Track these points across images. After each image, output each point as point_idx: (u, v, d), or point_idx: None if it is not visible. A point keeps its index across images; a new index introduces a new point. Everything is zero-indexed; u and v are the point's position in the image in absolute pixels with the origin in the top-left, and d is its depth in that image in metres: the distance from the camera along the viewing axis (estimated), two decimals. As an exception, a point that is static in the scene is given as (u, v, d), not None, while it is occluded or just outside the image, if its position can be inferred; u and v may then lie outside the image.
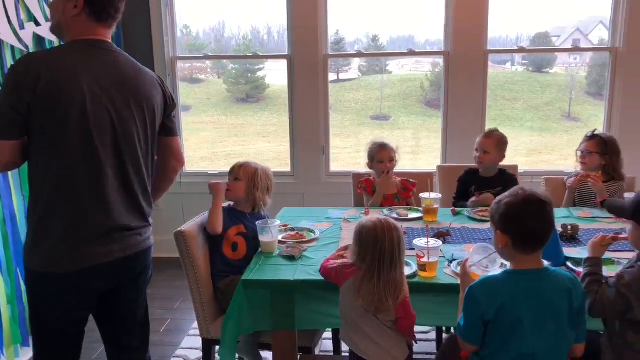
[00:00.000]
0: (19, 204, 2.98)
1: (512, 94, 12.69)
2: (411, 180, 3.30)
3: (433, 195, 2.95)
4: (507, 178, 3.17)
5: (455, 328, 1.87)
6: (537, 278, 1.71)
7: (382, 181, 3.21)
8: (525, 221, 1.69)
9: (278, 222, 2.55)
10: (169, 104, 2.03)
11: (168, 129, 2.04)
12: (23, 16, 3.01)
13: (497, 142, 3.18)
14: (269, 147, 10.66)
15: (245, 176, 2.70)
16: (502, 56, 12.04)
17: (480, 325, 1.73)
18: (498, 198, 1.78)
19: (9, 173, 2.87)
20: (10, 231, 2.91)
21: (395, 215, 2.94)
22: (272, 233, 2.48)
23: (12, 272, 2.92)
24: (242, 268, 2.34)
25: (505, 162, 3.28)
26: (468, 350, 1.82)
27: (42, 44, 3.19)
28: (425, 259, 2.17)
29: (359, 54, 4.74)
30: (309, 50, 4.19)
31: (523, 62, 13.37)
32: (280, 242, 2.54)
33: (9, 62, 2.89)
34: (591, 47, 4.81)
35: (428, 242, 2.21)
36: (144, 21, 4.21)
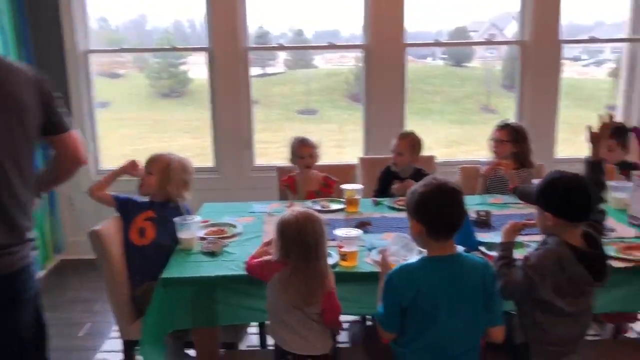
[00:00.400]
0: None
1: (433, 87, 13.10)
2: (333, 177, 3.30)
3: (354, 186, 3.00)
4: (422, 176, 3.25)
5: (375, 316, 1.91)
6: (451, 264, 1.78)
7: (301, 178, 3.23)
8: (438, 209, 1.74)
9: (198, 218, 2.50)
10: (49, 101, 1.81)
11: (55, 126, 1.82)
12: None
13: (410, 145, 3.26)
14: (193, 142, 10.45)
15: (158, 170, 2.62)
16: (423, 50, 12.40)
17: (399, 312, 1.77)
18: (412, 187, 1.83)
19: None
20: None
21: (319, 207, 2.96)
22: (191, 229, 2.43)
23: None
24: (153, 262, 2.30)
25: (422, 153, 3.37)
26: (387, 338, 1.87)
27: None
28: (345, 249, 2.20)
29: (279, 47, 4.74)
30: (229, 43, 4.13)
31: (443, 56, 13.84)
32: (200, 238, 2.50)
33: None
34: (501, 40, 5.02)
35: (349, 232, 2.24)
36: (53, 13, 3.99)
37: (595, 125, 2.07)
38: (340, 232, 2.24)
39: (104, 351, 3.08)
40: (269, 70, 14.13)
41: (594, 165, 2.05)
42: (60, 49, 4.06)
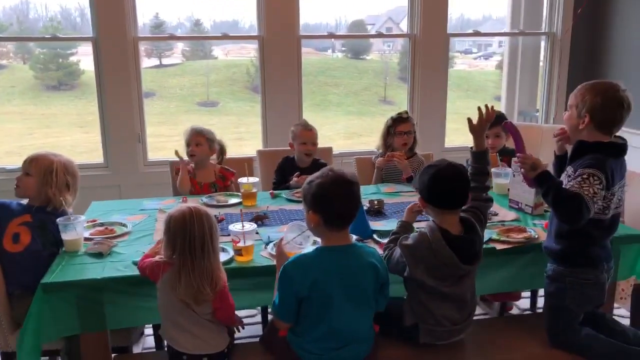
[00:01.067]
0: None
1: (334, 79, 13.30)
2: (230, 169, 3.25)
3: (251, 179, 2.96)
4: (320, 166, 3.28)
5: (271, 308, 1.89)
6: (345, 254, 1.82)
7: (198, 169, 3.14)
8: (334, 201, 1.77)
9: (83, 218, 2.36)
10: None
11: None
12: None
13: (316, 135, 3.31)
14: (86, 137, 9.91)
15: (38, 171, 2.39)
16: (322, 43, 12.52)
17: (295, 302, 1.78)
18: (309, 178, 1.84)
19: None
20: None
21: (215, 202, 2.90)
22: (76, 230, 2.29)
23: None
24: (27, 269, 2.17)
25: (320, 145, 3.40)
26: (283, 328, 1.87)
27: None
28: (240, 244, 2.17)
29: (172, 37, 4.56)
30: (117, 33, 3.93)
31: (342, 49, 14.08)
32: (86, 239, 2.36)
33: None
34: (394, 34, 5.17)
35: (243, 226, 2.21)
36: None
37: (475, 117, 2.16)
38: (235, 227, 2.20)
39: (-17, 365, 2.84)
40: (166, 61, 13.71)
41: (478, 155, 2.16)
42: None
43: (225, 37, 4.41)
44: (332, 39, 9.27)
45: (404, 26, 4.65)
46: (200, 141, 3.14)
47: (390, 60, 12.56)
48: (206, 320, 1.90)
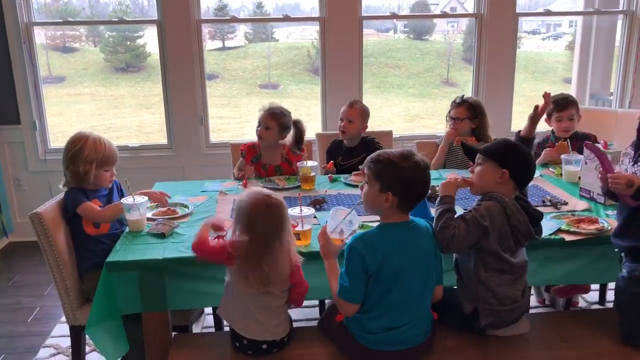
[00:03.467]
0: None
1: (395, 61, 13.08)
2: (297, 151, 3.17)
3: (309, 163, 2.94)
4: (369, 144, 3.22)
5: (336, 293, 1.87)
6: (408, 229, 1.86)
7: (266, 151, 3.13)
8: (416, 185, 1.83)
9: (146, 199, 2.41)
10: None
11: None
12: None
13: (361, 112, 3.24)
14: (152, 118, 10.20)
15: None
16: (384, 24, 12.33)
17: (365, 279, 1.80)
18: (389, 159, 1.82)
19: None
20: None
21: (274, 185, 2.90)
22: (139, 211, 2.34)
23: None
24: (107, 247, 2.20)
25: (380, 128, 3.34)
26: (350, 312, 1.87)
27: None
28: (299, 228, 2.16)
29: (234, 20, 4.59)
30: (180, 15, 3.98)
31: (404, 30, 13.80)
32: (149, 219, 2.41)
33: None
34: (459, 13, 4.99)
35: (301, 210, 2.20)
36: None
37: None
38: (293, 211, 2.19)
39: (54, 336, 2.99)
40: (229, 43, 13.88)
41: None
42: (1, 21, 3.84)
43: (286, 19, 4.39)
44: (394, 20, 9.09)
45: (470, 6, 4.48)
46: (270, 125, 3.05)
47: (454, 41, 12.21)
48: (273, 308, 1.92)
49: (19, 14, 3.89)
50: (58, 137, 4.40)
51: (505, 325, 1.98)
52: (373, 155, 1.88)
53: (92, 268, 2.34)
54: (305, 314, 3.06)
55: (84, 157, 2.41)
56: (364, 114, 3.26)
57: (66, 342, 2.86)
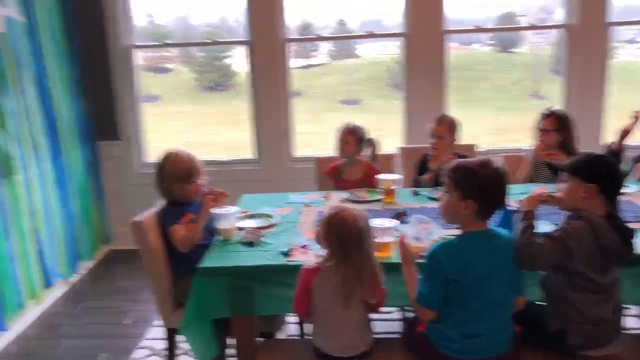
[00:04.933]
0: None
1: (480, 74, 12.84)
2: (375, 166, 3.25)
3: (391, 176, 2.97)
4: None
5: (415, 298, 1.90)
6: (488, 237, 1.88)
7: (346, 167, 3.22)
8: (497, 193, 1.85)
9: (235, 209, 2.53)
10: None
11: None
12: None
13: (449, 127, 3.23)
14: (240, 135, 10.59)
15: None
16: (469, 37, 12.12)
17: (443, 286, 1.82)
18: (468, 167, 1.84)
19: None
20: None
21: (355, 198, 2.95)
22: (229, 220, 2.47)
23: None
24: (200, 255, 2.33)
25: (464, 141, 3.32)
26: (427, 318, 1.90)
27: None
28: (379, 239, 2.19)
29: (318, 38, 4.71)
30: (268, 36, 4.15)
31: (490, 42, 13.50)
32: (239, 228, 2.53)
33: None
34: (548, 25, 4.85)
35: (383, 223, 2.23)
36: (97, 10, 4.11)
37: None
38: (374, 222, 2.23)
39: (148, 338, 3.17)
40: (313, 61, 14.21)
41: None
42: (105, 44, 4.17)
43: (370, 35, 4.46)
44: (479, 33, 8.95)
45: (559, 16, 4.35)
46: (348, 139, 3.19)
47: (543, 53, 11.82)
48: (353, 325, 1.97)
49: (122, 37, 4.21)
50: (154, 152, 4.68)
51: (597, 347, 1.91)
52: (452, 164, 1.91)
53: (186, 274, 2.47)
54: (387, 327, 3.07)
55: (166, 175, 2.58)
56: (453, 127, 3.25)
57: (160, 344, 3.03)
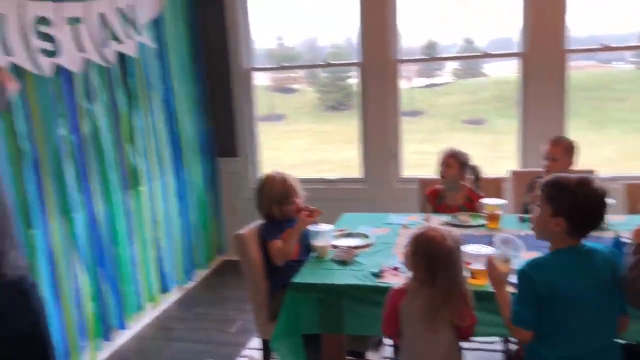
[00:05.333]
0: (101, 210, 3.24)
1: (618, 93, 11.89)
2: (477, 191, 3.17)
3: (495, 201, 2.86)
4: None
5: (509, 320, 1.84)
6: (581, 254, 1.80)
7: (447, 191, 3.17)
8: (590, 213, 1.76)
9: (331, 227, 2.58)
10: None
11: None
12: (107, 35, 3.27)
13: (565, 149, 3.06)
14: (354, 153, 10.74)
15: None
16: (608, 54, 11.32)
17: (535, 303, 1.76)
18: (564, 183, 1.77)
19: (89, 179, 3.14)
20: (94, 234, 3.17)
21: (457, 222, 2.88)
22: (325, 238, 2.52)
23: (94, 271, 3.17)
24: (295, 270, 2.40)
25: (593, 167, 3.14)
26: (523, 338, 1.83)
27: (124, 62, 3.45)
28: (473, 266, 2.12)
29: (432, 58, 4.66)
30: (380, 57, 4.19)
31: (633, 59, 12.48)
32: (333, 246, 2.57)
33: (94, 79, 3.15)
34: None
35: (480, 249, 2.16)
36: (221, 36, 4.41)
37: None
38: (471, 248, 2.16)
39: (250, 348, 3.30)
40: (437, 80, 14.04)
41: None
42: (227, 67, 4.46)
43: (485, 55, 4.36)
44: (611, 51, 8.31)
45: None
46: (451, 163, 3.15)
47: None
48: (442, 351, 1.92)
49: (242, 61, 4.47)
50: (271, 168, 4.88)
51: None
52: (549, 178, 1.84)
53: (281, 288, 2.56)
54: (488, 358, 2.94)
55: (265, 196, 2.72)
56: (569, 150, 3.09)
57: (259, 355, 3.14)
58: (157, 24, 3.78)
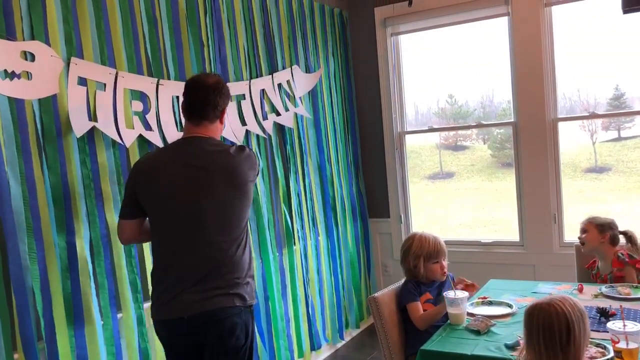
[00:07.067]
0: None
1: None
2: (624, 256, 2.85)
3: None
4: None
5: None
6: None
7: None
8: None
9: (467, 294, 2.51)
10: None
11: None
12: (267, 108, 3.63)
13: None
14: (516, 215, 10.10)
15: None
16: None
17: None
18: None
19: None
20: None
21: (615, 294, 2.61)
22: (460, 305, 2.46)
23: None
24: (431, 336, 2.38)
25: None
26: None
27: (282, 131, 3.79)
28: (621, 345, 1.92)
29: (592, 116, 4.34)
30: (535, 116, 4.03)
31: None
32: (469, 314, 2.50)
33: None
34: None
35: (624, 325, 1.95)
36: (374, 104, 4.63)
37: None
38: (614, 325, 1.96)
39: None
40: (627, 133, 12.81)
41: None
42: (380, 132, 4.63)
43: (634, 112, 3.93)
44: None
45: None
46: (588, 228, 2.95)
47: None
48: None
49: (394, 125, 4.61)
50: (425, 228, 4.87)
51: None
52: None
53: (415, 353, 2.54)
54: None
55: (412, 253, 2.73)
56: None
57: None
58: (313, 95, 4.10)
